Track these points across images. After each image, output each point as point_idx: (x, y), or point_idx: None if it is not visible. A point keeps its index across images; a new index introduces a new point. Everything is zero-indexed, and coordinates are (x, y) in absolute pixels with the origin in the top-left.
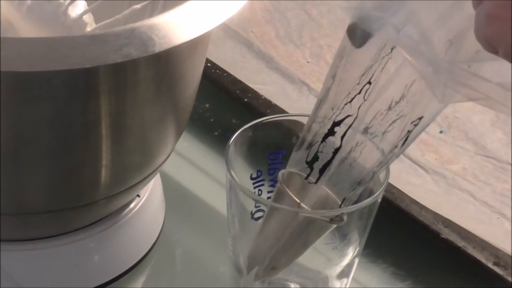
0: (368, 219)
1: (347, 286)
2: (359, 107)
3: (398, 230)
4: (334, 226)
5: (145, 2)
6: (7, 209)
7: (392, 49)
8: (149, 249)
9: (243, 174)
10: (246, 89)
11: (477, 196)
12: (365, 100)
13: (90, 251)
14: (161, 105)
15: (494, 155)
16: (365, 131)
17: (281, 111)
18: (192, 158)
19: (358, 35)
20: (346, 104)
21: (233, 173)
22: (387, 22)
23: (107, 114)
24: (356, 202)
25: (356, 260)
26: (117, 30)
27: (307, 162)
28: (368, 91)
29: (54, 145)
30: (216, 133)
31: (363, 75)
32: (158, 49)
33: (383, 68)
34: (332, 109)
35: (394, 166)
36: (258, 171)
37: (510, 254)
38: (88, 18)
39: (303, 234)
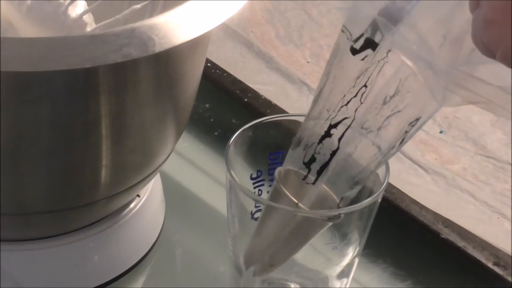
0: (368, 219)
1: (347, 286)
2: (356, 110)
3: (398, 230)
4: (331, 223)
5: (145, 2)
6: (7, 209)
7: (387, 52)
8: (149, 249)
9: (243, 174)
10: (246, 89)
11: (477, 196)
12: (361, 103)
13: (90, 251)
14: (161, 105)
15: (494, 155)
16: (361, 126)
17: (281, 111)
18: (192, 158)
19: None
20: (342, 106)
21: (233, 173)
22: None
23: (107, 114)
24: (356, 202)
25: (356, 260)
26: (117, 30)
27: (304, 163)
28: (365, 94)
29: (54, 145)
30: (216, 133)
31: (358, 77)
32: (158, 49)
33: (379, 72)
34: (328, 110)
35: (394, 166)
36: (258, 171)
37: (510, 254)
38: (88, 18)
39: (300, 231)
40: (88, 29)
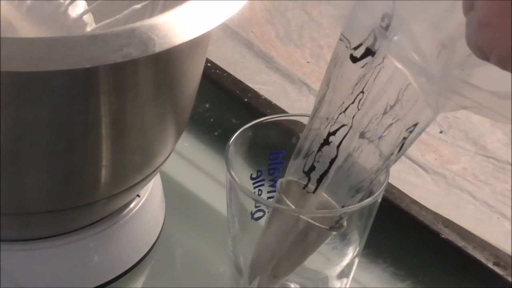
0: (368, 219)
1: (347, 286)
2: (353, 116)
3: (398, 230)
4: (334, 233)
5: (145, 2)
6: (7, 209)
7: (383, 58)
8: (149, 249)
9: (243, 174)
10: (246, 89)
11: (477, 196)
12: (359, 109)
13: (90, 251)
14: (161, 105)
15: (494, 155)
16: (362, 136)
17: (281, 111)
18: (192, 158)
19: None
20: (340, 113)
21: (233, 173)
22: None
23: (107, 114)
24: (356, 202)
25: (356, 260)
26: (117, 30)
27: (304, 172)
28: (362, 100)
29: (54, 145)
30: (216, 133)
31: (356, 84)
32: (158, 49)
33: (375, 78)
34: (327, 118)
35: (394, 166)
36: (258, 171)
37: (510, 254)
38: (88, 18)
39: (303, 242)
40: (88, 29)
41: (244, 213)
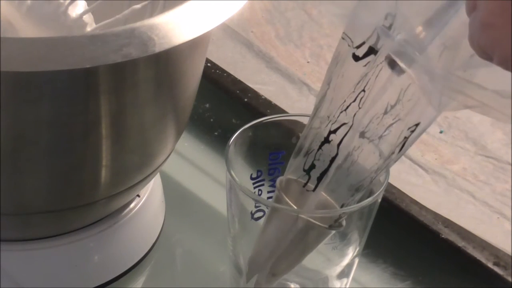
0: (368, 219)
1: (347, 286)
2: (354, 115)
3: (398, 230)
4: (333, 232)
5: (145, 2)
6: (7, 209)
7: (385, 57)
8: (149, 249)
9: (243, 174)
10: (246, 89)
11: (477, 196)
12: (360, 108)
13: (90, 251)
14: (161, 105)
15: (494, 155)
16: (362, 135)
17: (281, 111)
18: (192, 158)
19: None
20: (341, 112)
21: (233, 173)
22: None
23: (107, 114)
24: (356, 202)
25: (356, 260)
26: (117, 30)
27: (304, 170)
28: (363, 99)
29: (54, 145)
30: (216, 133)
31: (358, 83)
32: (158, 49)
33: (377, 76)
34: (328, 117)
35: (394, 166)
36: (258, 171)
37: (510, 254)
38: (88, 18)
39: (302, 240)
40: (88, 29)
41: (244, 213)
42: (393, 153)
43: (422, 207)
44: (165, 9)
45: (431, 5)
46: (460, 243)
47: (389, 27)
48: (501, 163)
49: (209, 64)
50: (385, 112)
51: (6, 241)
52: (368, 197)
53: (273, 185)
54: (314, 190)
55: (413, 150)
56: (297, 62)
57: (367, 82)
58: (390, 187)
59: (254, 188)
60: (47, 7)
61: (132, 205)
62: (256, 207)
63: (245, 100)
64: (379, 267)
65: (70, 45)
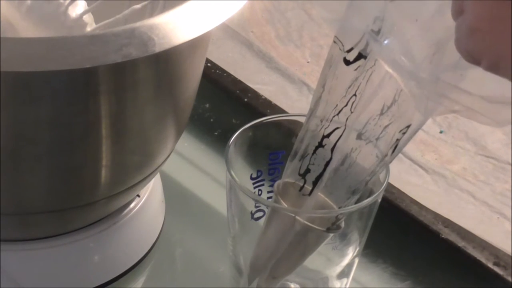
0: (368, 219)
1: (347, 286)
2: (347, 119)
3: (398, 230)
4: (331, 235)
5: (145, 2)
6: (7, 209)
7: (375, 61)
8: (149, 249)
9: (243, 174)
10: (246, 89)
11: (477, 196)
12: (352, 112)
13: (90, 251)
14: (161, 105)
15: (494, 155)
16: (359, 136)
17: (281, 111)
18: (192, 158)
19: None
20: (334, 116)
21: (233, 173)
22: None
23: (107, 114)
24: (356, 202)
25: (356, 260)
26: (117, 30)
27: (300, 174)
28: (355, 103)
29: (54, 145)
30: (216, 133)
31: (349, 87)
32: (158, 49)
33: (367, 80)
34: (321, 121)
35: (394, 166)
36: (258, 171)
37: (510, 254)
38: (88, 18)
39: (301, 243)
40: (88, 29)
41: (244, 213)
42: (386, 155)
43: (422, 207)
44: (165, 9)
45: (419, 9)
46: (460, 243)
47: (378, 32)
48: (501, 163)
49: (209, 64)
50: (381, 113)
51: (6, 241)
52: (368, 197)
53: (273, 185)
54: (310, 194)
55: (413, 150)
56: (297, 62)
57: (358, 87)
58: (390, 187)
59: (254, 188)
60: (47, 7)
61: (132, 205)
62: (256, 207)
63: (245, 100)
64: (379, 267)
65: (70, 45)
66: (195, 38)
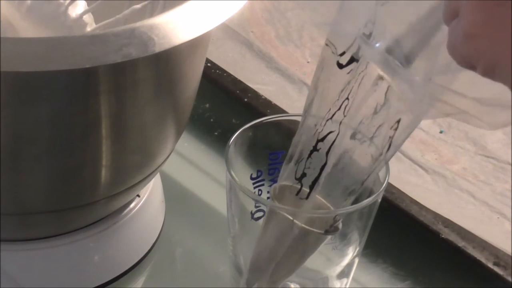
0: (368, 219)
1: (347, 286)
2: (340, 123)
3: (398, 230)
4: (329, 237)
5: (145, 2)
6: (7, 209)
7: (367, 65)
8: (149, 249)
9: (243, 174)
10: (246, 89)
11: (477, 196)
12: (345, 116)
13: (90, 251)
14: (161, 105)
15: (494, 155)
16: (353, 136)
17: (281, 111)
18: (192, 158)
19: None
20: (327, 120)
21: (233, 173)
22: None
23: (107, 114)
24: (356, 202)
25: (356, 260)
26: (117, 30)
27: (296, 178)
28: (347, 107)
29: (54, 145)
30: (216, 133)
31: (342, 91)
32: (158, 49)
33: (359, 84)
34: (315, 125)
35: (394, 166)
36: (258, 171)
37: (510, 254)
38: (88, 18)
39: (300, 246)
40: (88, 29)
41: (244, 213)
42: (381, 154)
43: (422, 207)
44: (165, 9)
45: (411, 12)
46: (460, 243)
47: (369, 35)
48: (501, 163)
49: (209, 64)
50: (375, 112)
51: (6, 241)
52: (368, 197)
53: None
54: (307, 198)
55: (413, 150)
56: (297, 62)
57: (351, 90)
58: (390, 187)
59: (254, 188)
60: (47, 7)
61: (132, 205)
62: (256, 207)
63: (245, 100)
64: (379, 267)
65: (70, 45)
66: (195, 38)
